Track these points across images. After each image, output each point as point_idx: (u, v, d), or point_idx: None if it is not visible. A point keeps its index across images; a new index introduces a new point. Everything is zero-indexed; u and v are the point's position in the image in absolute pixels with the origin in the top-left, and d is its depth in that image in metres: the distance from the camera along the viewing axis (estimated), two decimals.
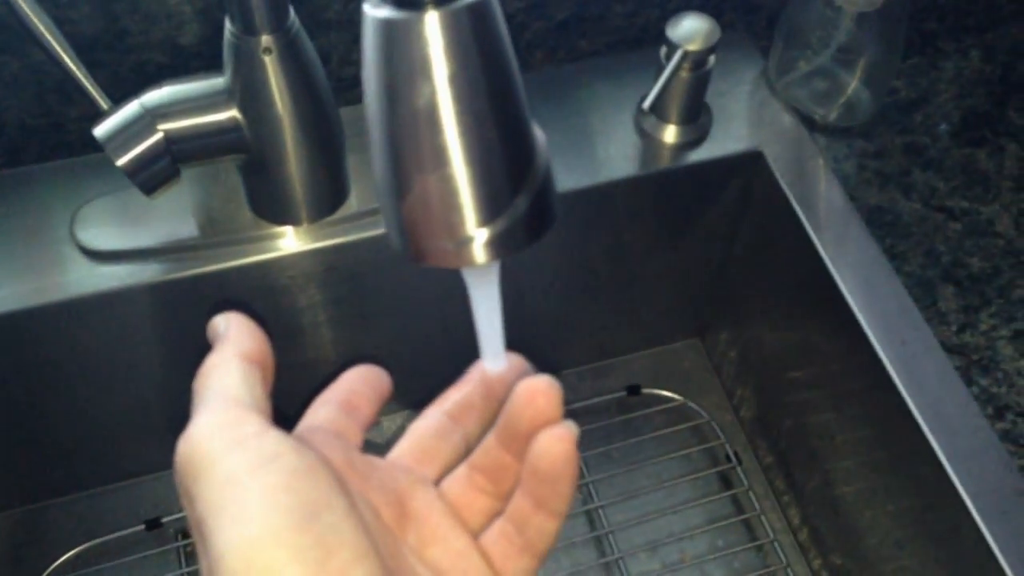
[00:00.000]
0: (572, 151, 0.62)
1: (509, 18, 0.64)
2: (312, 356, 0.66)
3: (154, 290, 0.57)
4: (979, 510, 0.50)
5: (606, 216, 0.65)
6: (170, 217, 0.57)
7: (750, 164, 0.64)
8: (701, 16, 0.59)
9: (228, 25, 0.48)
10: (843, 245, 0.59)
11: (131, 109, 0.49)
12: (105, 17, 0.56)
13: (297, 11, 0.49)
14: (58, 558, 0.66)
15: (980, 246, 0.60)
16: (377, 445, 0.30)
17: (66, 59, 0.48)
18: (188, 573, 0.66)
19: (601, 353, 0.77)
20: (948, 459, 0.51)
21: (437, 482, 0.31)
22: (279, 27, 0.48)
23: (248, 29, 0.48)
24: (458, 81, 0.26)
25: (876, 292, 0.57)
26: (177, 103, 0.50)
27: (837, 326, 0.58)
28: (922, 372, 0.54)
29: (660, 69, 0.59)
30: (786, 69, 0.66)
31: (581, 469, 0.72)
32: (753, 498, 0.71)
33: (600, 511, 0.70)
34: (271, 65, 0.49)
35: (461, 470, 0.31)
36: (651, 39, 0.69)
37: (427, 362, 0.66)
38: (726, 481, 0.73)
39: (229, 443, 0.25)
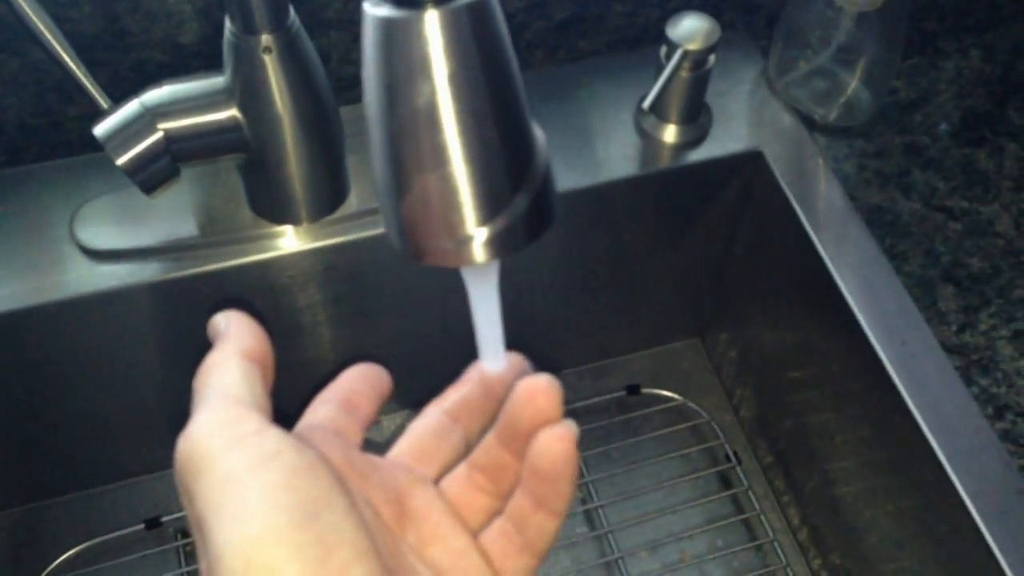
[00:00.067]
0: (572, 151, 0.62)
1: (509, 18, 0.64)
2: (312, 355, 0.66)
3: (154, 289, 0.57)
4: (979, 510, 0.50)
5: (606, 216, 0.65)
6: (170, 216, 0.57)
7: (750, 164, 0.64)
8: (701, 16, 0.59)
9: (228, 24, 0.48)
10: (843, 245, 0.59)
11: (131, 108, 0.49)
12: (105, 16, 0.56)
13: (297, 10, 0.49)
14: (58, 557, 0.66)
15: (980, 246, 0.60)
16: (377, 444, 0.30)
17: (66, 58, 0.48)
18: (188, 572, 0.66)
19: (601, 353, 0.77)
20: (948, 459, 0.51)
21: (437, 481, 0.31)
22: (279, 26, 0.48)
23: (248, 28, 0.48)
24: (458, 80, 0.26)
25: (876, 292, 0.57)
26: (177, 102, 0.50)
27: (837, 326, 0.58)
28: (922, 372, 0.54)
29: (660, 69, 0.59)
30: (786, 69, 0.66)
31: (581, 469, 0.72)
32: (753, 498, 0.71)
33: (600, 511, 0.70)
34: (271, 64, 0.49)
35: (461, 469, 0.31)
36: (651, 39, 0.69)
37: (427, 361, 0.66)
38: (726, 481, 0.73)
39: (229, 441, 0.25)
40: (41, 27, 0.47)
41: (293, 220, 0.57)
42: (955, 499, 0.50)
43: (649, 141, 0.63)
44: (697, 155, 0.63)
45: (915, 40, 0.71)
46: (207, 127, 0.51)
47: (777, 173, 0.62)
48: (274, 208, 0.57)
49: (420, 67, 0.26)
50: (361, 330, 0.66)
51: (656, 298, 0.74)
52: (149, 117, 0.49)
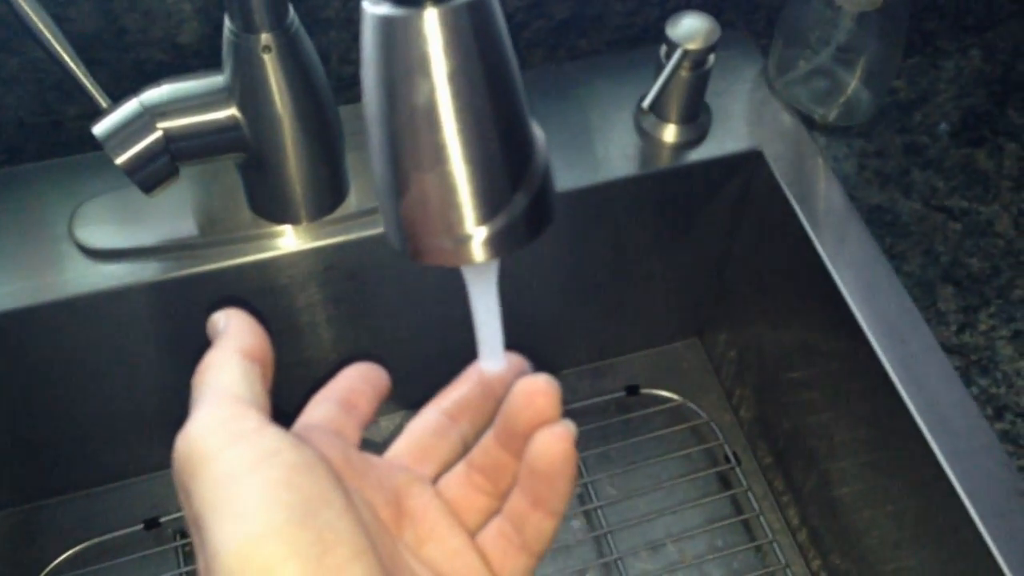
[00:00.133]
0: (571, 150, 0.62)
1: (509, 16, 0.64)
2: (311, 355, 0.66)
3: (153, 289, 0.57)
4: (978, 510, 0.50)
5: (605, 215, 0.64)
6: (169, 216, 0.57)
7: (750, 163, 0.64)
8: (701, 15, 0.59)
9: (227, 23, 0.48)
10: (843, 245, 0.59)
11: (130, 107, 0.49)
12: (104, 15, 0.56)
13: (296, 9, 0.49)
14: (57, 557, 0.66)
15: (980, 246, 0.60)
16: (375, 444, 0.30)
17: (65, 57, 0.48)
18: (187, 573, 0.66)
19: (600, 353, 0.77)
20: (947, 459, 0.51)
21: (435, 481, 0.31)
22: (278, 25, 0.48)
23: (247, 27, 0.48)
24: (457, 78, 0.26)
25: (875, 292, 0.57)
26: (176, 101, 0.50)
27: (836, 326, 0.58)
28: (921, 372, 0.54)
29: (660, 68, 0.59)
30: (786, 68, 0.65)
31: (580, 469, 0.72)
32: (752, 498, 0.71)
33: (599, 511, 0.70)
34: (270, 63, 0.49)
35: (459, 469, 0.31)
36: (651, 38, 0.68)
37: (426, 361, 0.66)
38: (725, 481, 0.73)
39: (228, 438, 0.25)
40: (40, 26, 0.47)
41: (292, 219, 0.57)
42: (954, 499, 0.50)
43: (649, 140, 0.63)
44: (697, 155, 0.63)
45: (915, 40, 0.71)
46: (206, 126, 0.51)
47: (777, 173, 0.62)
48: (273, 207, 0.57)
49: (419, 65, 0.26)
50: (360, 330, 0.66)
51: (655, 298, 0.74)
52: (148, 116, 0.49)
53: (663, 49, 0.60)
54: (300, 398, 0.32)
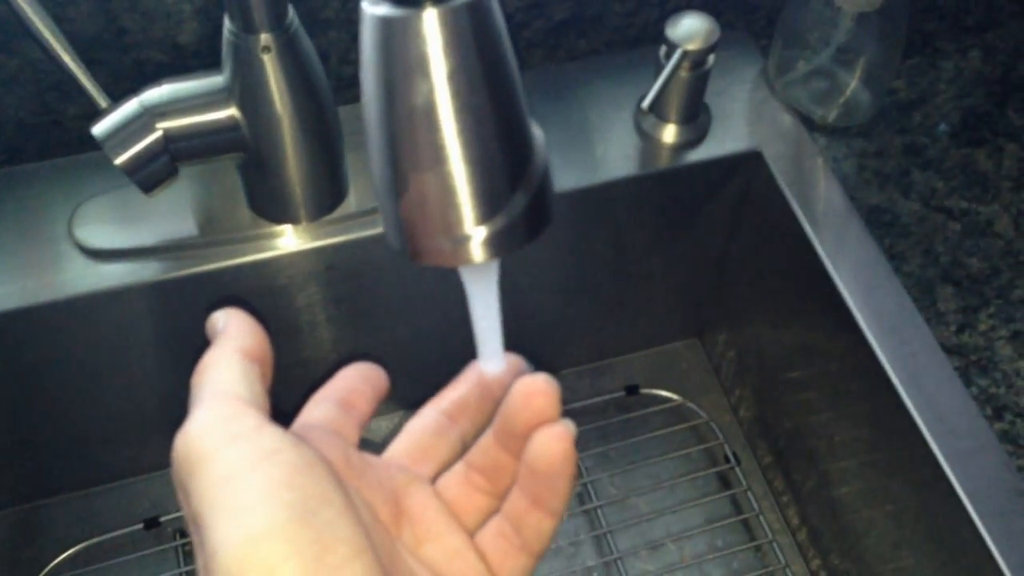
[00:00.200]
0: (571, 150, 0.62)
1: (509, 17, 0.64)
2: (310, 355, 0.66)
3: (153, 289, 0.57)
4: (978, 511, 0.50)
5: (605, 216, 0.64)
6: (169, 216, 0.57)
7: (749, 164, 0.64)
8: (700, 15, 0.59)
9: (227, 23, 0.48)
10: (842, 245, 0.59)
11: (130, 107, 0.49)
12: (104, 15, 0.56)
13: (296, 9, 0.49)
14: (56, 557, 0.66)
15: (979, 246, 0.60)
16: (373, 443, 0.30)
17: (65, 57, 0.48)
18: (186, 572, 0.66)
19: (599, 353, 0.77)
20: (947, 459, 0.51)
21: (433, 480, 0.31)
22: (278, 25, 0.48)
23: (247, 27, 0.48)
24: (456, 79, 0.26)
25: (875, 292, 0.57)
26: (176, 101, 0.50)
27: (836, 326, 0.58)
28: (921, 372, 0.54)
29: (659, 68, 0.59)
30: (785, 69, 0.65)
31: (580, 469, 0.72)
32: (752, 498, 0.71)
33: (599, 511, 0.70)
34: (270, 64, 0.49)
35: (458, 468, 0.31)
36: (650, 38, 0.68)
37: (425, 362, 0.66)
38: (725, 481, 0.73)
39: (227, 437, 0.25)
40: (40, 26, 0.47)
41: (292, 220, 0.57)
42: (954, 500, 0.50)
43: (648, 141, 0.63)
44: (696, 155, 0.63)
45: (915, 40, 0.71)
46: (206, 126, 0.51)
47: (776, 173, 0.62)
48: (273, 207, 0.57)
49: (418, 66, 0.26)
50: (360, 330, 0.66)
51: (655, 298, 0.74)
52: (148, 116, 0.49)
53: (663, 49, 0.60)
54: (299, 398, 0.32)
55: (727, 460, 0.72)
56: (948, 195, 0.62)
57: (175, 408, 0.28)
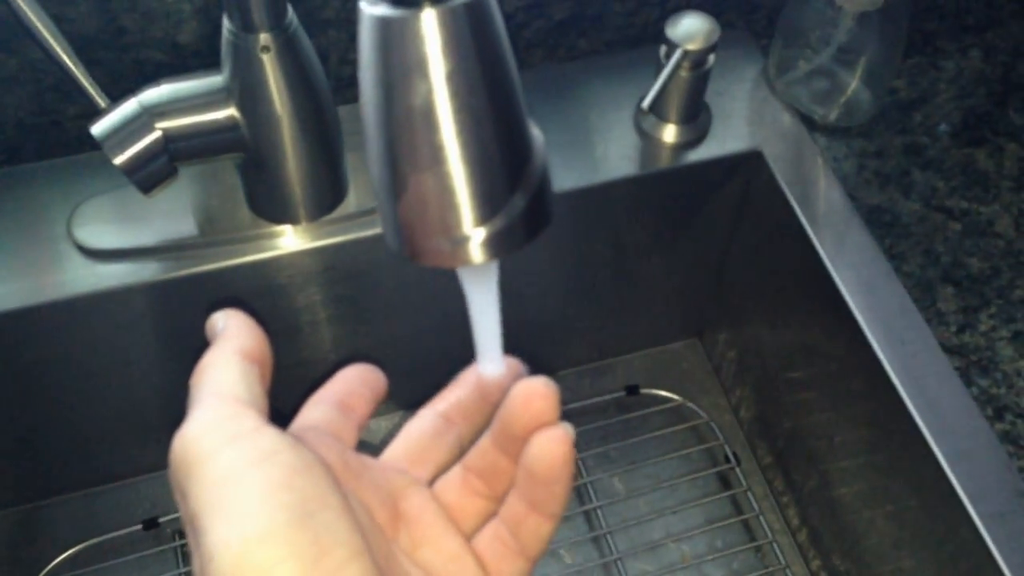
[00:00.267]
0: (571, 150, 0.62)
1: (509, 17, 0.64)
2: (310, 355, 0.66)
3: (152, 289, 0.57)
4: (978, 511, 0.49)
5: (605, 216, 0.64)
6: (168, 216, 0.57)
7: (750, 164, 0.64)
8: (701, 15, 0.59)
9: (226, 23, 0.48)
10: (842, 245, 0.59)
11: (129, 107, 0.49)
12: (103, 15, 0.56)
13: (295, 9, 0.49)
14: (55, 558, 0.66)
15: (980, 246, 0.60)
16: (371, 446, 0.30)
17: (64, 57, 0.48)
18: (185, 573, 0.66)
19: (600, 353, 0.77)
20: (947, 460, 0.51)
21: (431, 483, 0.31)
22: (277, 25, 0.48)
23: (246, 27, 0.48)
24: (455, 79, 0.26)
25: (875, 292, 0.57)
26: (175, 101, 0.50)
27: (836, 326, 0.58)
28: (921, 373, 0.54)
29: (659, 68, 0.59)
30: (786, 68, 0.65)
31: (579, 469, 0.72)
32: (752, 499, 0.71)
33: (598, 511, 0.70)
34: (269, 63, 0.49)
35: (455, 471, 0.31)
36: (650, 38, 0.68)
37: (425, 362, 0.66)
38: (725, 482, 0.73)
39: (225, 438, 0.25)
40: (39, 26, 0.47)
41: (292, 220, 0.57)
42: (954, 500, 0.50)
43: (648, 141, 0.63)
44: (696, 155, 0.63)
45: (915, 40, 0.70)
46: (205, 126, 0.51)
47: (777, 173, 0.62)
48: (273, 208, 0.57)
49: (417, 66, 0.26)
50: (359, 330, 0.66)
51: (655, 298, 0.74)
52: (147, 116, 0.49)
53: (663, 49, 0.60)
54: (299, 398, 0.32)
55: (727, 460, 0.72)
56: (949, 195, 0.62)
57: (175, 408, 0.28)
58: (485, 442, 0.30)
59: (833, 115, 0.65)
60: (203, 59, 0.59)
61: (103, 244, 0.56)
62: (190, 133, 0.50)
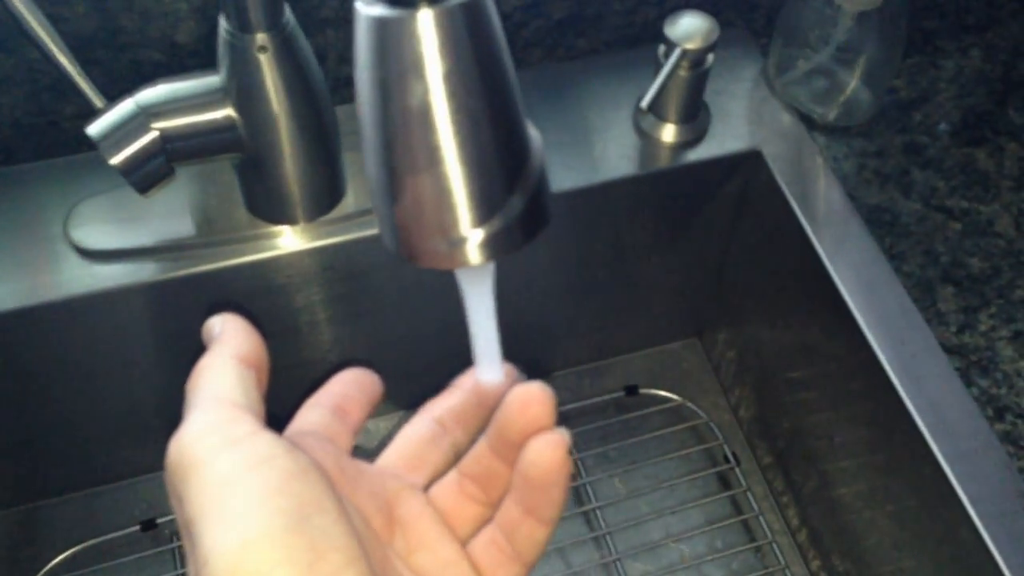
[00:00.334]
0: (570, 150, 0.62)
1: (507, 16, 0.64)
2: (308, 356, 0.66)
3: (149, 290, 0.56)
4: (978, 512, 0.49)
5: (604, 216, 0.64)
6: (165, 216, 0.57)
7: (749, 163, 0.64)
8: (700, 14, 0.58)
9: (223, 23, 0.48)
10: (842, 245, 0.59)
11: (125, 107, 0.49)
12: (100, 15, 0.56)
13: (293, 9, 0.49)
14: (53, 559, 0.66)
15: (980, 246, 0.60)
16: (366, 451, 0.30)
17: (61, 57, 0.48)
18: (183, 574, 0.66)
19: (599, 353, 0.77)
20: (947, 460, 0.51)
21: (426, 488, 0.31)
22: (274, 25, 0.48)
23: (243, 27, 0.48)
24: (452, 80, 0.26)
25: (875, 292, 0.57)
26: (172, 101, 0.50)
27: (836, 326, 0.58)
28: (921, 373, 0.54)
29: (658, 68, 0.59)
30: (785, 68, 0.65)
31: (579, 469, 0.71)
32: (751, 499, 0.71)
33: (597, 512, 0.70)
34: (266, 63, 0.49)
35: (451, 477, 0.31)
36: (649, 37, 0.68)
37: (424, 362, 0.66)
38: (724, 482, 0.73)
39: (222, 443, 0.24)
40: (36, 26, 0.47)
41: (290, 220, 0.57)
42: (954, 501, 0.50)
43: (647, 140, 0.63)
44: (696, 154, 0.63)
45: (915, 39, 0.70)
46: (202, 127, 0.50)
47: (776, 173, 0.62)
48: (270, 208, 0.57)
49: (413, 67, 0.26)
50: (358, 331, 0.66)
51: (654, 298, 0.74)
52: (143, 116, 0.49)
53: (662, 48, 0.60)
54: (297, 399, 0.31)
55: (727, 460, 0.72)
56: (949, 195, 0.62)
57: (172, 409, 0.28)
58: (481, 447, 0.30)
59: (832, 114, 0.65)
60: (200, 59, 0.59)
61: (100, 244, 0.56)
62: (187, 133, 0.50)
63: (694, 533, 0.70)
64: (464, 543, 0.30)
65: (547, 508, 0.28)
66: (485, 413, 0.31)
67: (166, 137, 0.50)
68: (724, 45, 0.65)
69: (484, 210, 0.27)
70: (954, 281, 0.58)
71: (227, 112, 0.50)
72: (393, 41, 0.26)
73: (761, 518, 0.70)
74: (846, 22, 0.60)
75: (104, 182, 0.58)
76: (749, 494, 0.71)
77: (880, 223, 0.61)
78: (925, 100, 0.67)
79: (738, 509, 0.71)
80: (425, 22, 0.25)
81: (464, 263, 0.27)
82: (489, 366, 0.31)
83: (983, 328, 0.56)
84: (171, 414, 0.27)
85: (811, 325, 0.63)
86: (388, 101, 0.26)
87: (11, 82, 0.57)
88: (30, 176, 0.60)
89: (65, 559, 0.66)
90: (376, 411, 0.33)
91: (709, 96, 0.64)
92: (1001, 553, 0.48)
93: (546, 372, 0.77)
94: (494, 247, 0.27)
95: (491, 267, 0.29)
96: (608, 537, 0.69)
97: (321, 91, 0.52)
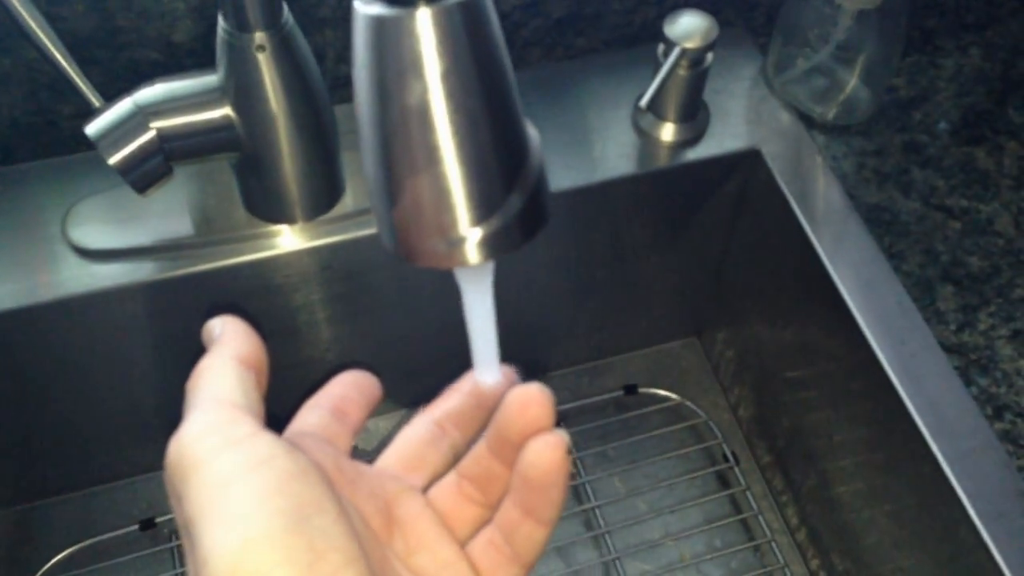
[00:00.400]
0: (569, 149, 0.62)
1: (506, 15, 0.64)
2: (307, 355, 0.66)
3: (147, 289, 0.56)
4: (977, 511, 0.49)
5: (603, 215, 0.64)
6: (164, 216, 0.57)
7: (748, 162, 0.64)
8: (699, 13, 0.58)
9: (221, 22, 0.48)
10: (841, 244, 0.59)
11: (123, 107, 0.49)
12: (98, 14, 0.55)
13: (291, 8, 0.49)
14: (52, 558, 0.66)
15: (979, 245, 0.60)
16: (365, 452, 0.30)
17: (58, 56, 0.48)
18: (181, 574, 0.66)
19: (598, 352, 0.77)
20: (946, 459, 0.51)
21: (425, 490, 0.31)
22: (272, 24, 0.48)
23: (241, 26, 0.47)
24: (450, 79, 0.26)
25: (875, 291, 0.57)
26: (170, 101, 0.50)
27: (835, 325, 0.58)
28: (921, 372, 0.54)
29: (658, 67, 0.59)
30: (784, 67, 0.65)
31: (578, 468, 0.71)
32: (751, 498, 0.71)
33: (597, 511, 0.70)
34: (264, 63, 0.49)
35: (450, 478, 0.31)
36: (649, 36, 0.68)
37: (422, 362, 0.66)
38: (723, 481, 0.73)
39: (221, 444, 0.24)
40: (33, 25, 0.47)
41: (288, 219, 0.57)
42: (954, 499, 0.50)
43: (646, 139, 0.63)
44: (695, 153, 0.63)
45: (914, 38, 0.70)
46: (200, 126, 0.50)
47: (775, 172, 0.62)
48: (269, 207, 0.57)
49: (412, 66, 0.26)
50: (357, 330, 0.66)
51: (653, 297, 0.74)
52: (142, 116, 0.49)
53: (661, 47, 0.59)
54: (296, 399, 0.31)
55: (726, 459, 0.72)
56: (948, 193, 0.62)
57: (171, 409, 0.28)
58: (480, 449, 0.30)
59: (832, 113, 0.65)
60: (198, 58, 0.59)
61: (98, 244, 0.56)
62: (185, 133, 0.50)
63: (693, 532, 0.70)
64: (463, 544, 0.30)
65: (546, 509, 0.28)
66: (484, 415, 0.31)
67: (164, 136, 0.49)
68: (723, 44, 0.65)
69: (483, 209, 0.27)
70: (953, 280, 0.58)
71: (225, 111, 0.50)
72: (391, 40, 0.26)
73: (760, 517, 0.70)
74: (845, 21, 0.60)
75: (102, 181, 0.58)
76: (748, 493, 0.71)
77: (879, 222, 0.60)
78: (924, 99, 0.67)
79: (737, 508, 0.71)
80: (423, 21, 0.25)
81: (463, 262, 0.27)
82: (487, 368, 0.31)
83: (982, 327, 0.56)
84: (169, 413, 0.27)
85: (810, 324, 0.63)
86: (386, 100, 0.26)
87: (9, 81, 0.57)
88: (28, 176, 0.59)
89: (63, 558, 0.66)
90: (372, 415, 0.33)
91: (708, 95, 0.64)
92: (1000, 552, 0.48)
93: (545, 371, 0.77)
94: (493, 246, 0.27)
95: (490, 267, 0.29)
96: (607, 536, 0.68)
97: (319, 90, 0.52)
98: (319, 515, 0.24)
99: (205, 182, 0.58)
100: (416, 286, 0.64)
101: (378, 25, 0.26)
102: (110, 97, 0.50)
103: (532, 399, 0.28)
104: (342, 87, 0.64)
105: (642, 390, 0.75)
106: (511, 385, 0.31)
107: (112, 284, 0.55)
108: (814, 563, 0.69)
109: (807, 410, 0.66)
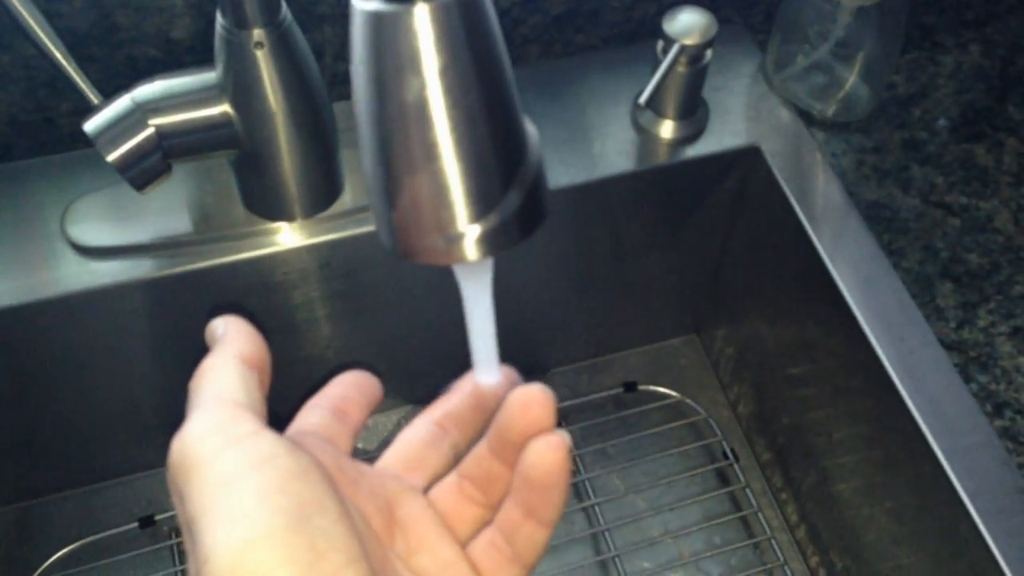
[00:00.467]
0: (568, 146, 0.62)
1: (505, 12, 0.64)
2: (307, 353, 0.66)
3: (146, 286, 0.56)
4: (977, 508, 0.49)
5: (602, 212, 0.64)
6: (162, 213, 0.57)
7: (747, 159, 0.64)
8: (698, 10, 0.58)
9: (219, 19, 0.48)
10: (841, 241, 0.59)
11: (122, 104, 0.49)
12: (96, 11, 0.55)
13: (289, 5, 0.49)
14: (52, 555, 0.66)
15: (979, 242, 0.60)
16: (366, 453, 0.30)
17: (56, 53, 0.48)
18: (181, 571, 0.66)
19: (598, 349, 0.77)
20: (946, 456, 0.51)
21: (426, 490, 0.31)
22: (271, 21, 0.48)
23: (239, 23, 0.47)
24: (448, 75, 0.26)
25: (874, 288, 0.57)
26: (168, 98, 0.50)
27: (835, 322, 0.58)
28: (920, 369, 0.54)
29: (657, 64, 0.59)
30: (784, 64, 0.65)
31: (577, 466, 0.71)
32: (750, 495, 0.71)
33: (596, 508, 0.70)
34: (263, 59, 0.49)
35: (451, 479, 0.31)
36: (648, 33, 0.68)
37: (422, 359, 0.66)
38: (723, 478, 0.73)
39: (224, 442, 0.24)
40: (31, 22, 0.47)
41: (287, 217, 0.57)
42: (953, 497, 0.50)
43: (645, 136, 0.63)
44: (694, 150, 0.63)
45: (914, 35, 0.70)
46: (199, 123, 0.50)
47: (775, 169, 0.62)
48: (268, 204, 0.57)
49: (409, 62, 0.25)
50: (356, 327, 0.66)
51: (653, 294, 0.74)
52: (140, 113, 0.49)
53: (660, 44, 0.59)
54: (296, 396, 0.31)
55: (725, 457, 0.72)
56: (948, 190, 0.62)
57: (171, 406, 0.28)
58: (481, 449, 0.30)
59: (831, 110, 0.65)
60: (197, 55, 0.59)
61: (97, 241, 0.56)
62: (184, 130, 0.50)
63: (693, 529, 0.70)
64: (464, 545, 0.30)
65: (547, 510, 0.28)
66: (484, 415, 0.31)
67: (163, 133, 0.49)
68: (722, 41, 0.65)
69: (481, 206, 0.27)
70: (953, 277, 0.58)
71: (224, 108, 0.50)
72: (389, 36, 0.25)
73: (760, 514, 0.70)
74: (845, 18, 0.60)
75: (101, 179, 0.58)
76: (748, 490, 0.71)
77: (879, 219, 0.60)
78: (924, 96, 0.67)
79: (737, 505, 0.71)
80: (421, 17, 0.25)
81: (461, 259, 0.27)
82: (487, 368, 0.31)
83: (982, 324, 0.56)
84: (169, 411, 0.27)
85: (810, 321, 0.63)
86: (384, 97, 0.26)
87: (7, 79, 0.57)
88: (27, 173, 0.59)
89: (64, 556, 0.66)
90: (373, 414, 0.33)
91: (707, 92, 0.64)
92: (1000, 549, 0.48)
93: (545, 369, 0.77)
94: (491, 243, 0.27)
95: (489, 263, 0.29)
96: (607, 533, 0.68)
97: (318, 87, 0.52)
98: (320, 514, 0.24)
99: (204, 179, 0.58)
100: (414, 283, 0.64)
101: (376, 21, 0.25)
102: (108, 94, 0.49)
103: (534, 400, 0.28)
104: (341, 84, 0.64)
105: (642, 387, 0.75)
106: (512, 386, 0.31)
107: (111, 281, 0.55)
108: (813, 560, 0.69)
109: (807, 407, 0.66)
